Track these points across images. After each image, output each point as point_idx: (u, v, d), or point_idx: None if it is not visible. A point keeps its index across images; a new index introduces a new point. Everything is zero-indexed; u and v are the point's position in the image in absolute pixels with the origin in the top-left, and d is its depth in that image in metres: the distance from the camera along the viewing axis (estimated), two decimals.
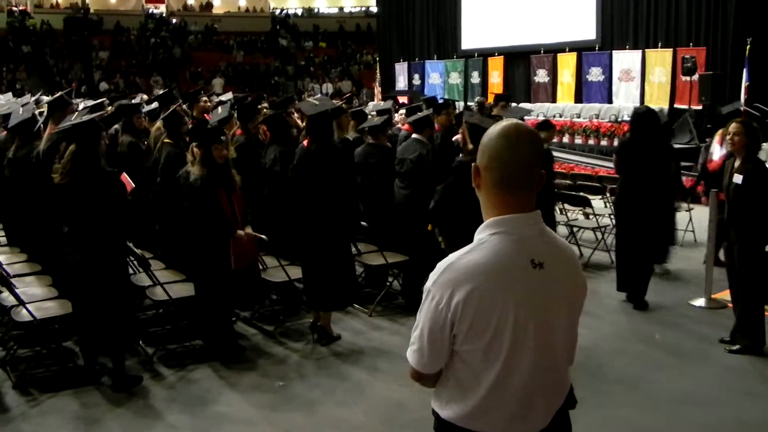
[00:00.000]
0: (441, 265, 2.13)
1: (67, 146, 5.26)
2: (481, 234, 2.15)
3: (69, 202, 5.08)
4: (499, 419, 2.18)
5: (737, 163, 5.77)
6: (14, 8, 35.43)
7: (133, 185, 6.06)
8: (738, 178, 5.68)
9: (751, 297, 5.77)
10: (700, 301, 6.96)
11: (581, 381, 4.47)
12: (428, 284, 2.14)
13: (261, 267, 6.57)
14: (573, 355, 2.32)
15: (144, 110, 7.96)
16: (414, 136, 7.02)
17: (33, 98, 10.33)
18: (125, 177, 6.07)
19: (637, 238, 6.82)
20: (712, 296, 6.96)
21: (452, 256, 2.13)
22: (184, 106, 8.31)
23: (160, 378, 5.51)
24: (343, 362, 5.80)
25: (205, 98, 9.21)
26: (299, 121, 8.59)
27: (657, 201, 6.82)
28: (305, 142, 6.10)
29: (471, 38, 22.37)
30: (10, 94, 14.02)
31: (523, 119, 7.96)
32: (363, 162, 7.17)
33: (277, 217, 6.62)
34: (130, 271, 6.13)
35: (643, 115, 6.93)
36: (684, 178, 12.14)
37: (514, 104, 16.80)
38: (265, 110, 8.44)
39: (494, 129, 2.17)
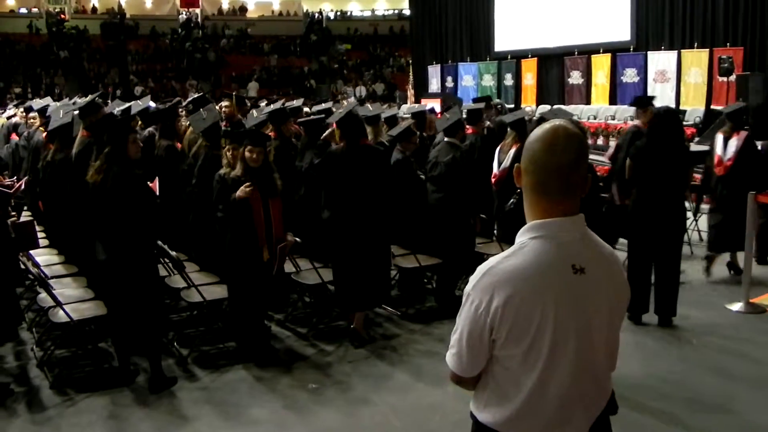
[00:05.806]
0: (481, 269, 2.10)
1: (99, 147, 5.32)
2: (522, 237, 2.12)
3: (97, 202, 5.15)
4: (538, 425, 2.15)
5: None
6: (51, 10, 36.09)
7: (157, 195, 6.10)
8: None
9: None
10: (738, 305, 6.85)
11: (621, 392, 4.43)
12: (468, 288, 2.12)
13: (296, 269, 6.61)
14: (614, 360, 2.27)
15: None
16: (446, 139, 6.99)
17: (71, 101, 10.48)
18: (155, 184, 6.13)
19: (660, 253, 6.35)
20: (750, 300, 6.86)
21: (493, 260, 2.10)
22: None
23: (194, 379, 5.55)
24: (376, 365, 5.79)
25: (227, 103, 9.25)
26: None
27: (679, 212, 6.44)
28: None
29: (504, 40, 22.25)
30: (49, 98, 14.23)
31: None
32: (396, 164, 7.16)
33: (311, 219, 6.64)
34: (165, 272, 6.20)
35: (662, 116, 6.35)
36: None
37: (556, 106, 16.70)
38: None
39: (536, 131, 2.14)
